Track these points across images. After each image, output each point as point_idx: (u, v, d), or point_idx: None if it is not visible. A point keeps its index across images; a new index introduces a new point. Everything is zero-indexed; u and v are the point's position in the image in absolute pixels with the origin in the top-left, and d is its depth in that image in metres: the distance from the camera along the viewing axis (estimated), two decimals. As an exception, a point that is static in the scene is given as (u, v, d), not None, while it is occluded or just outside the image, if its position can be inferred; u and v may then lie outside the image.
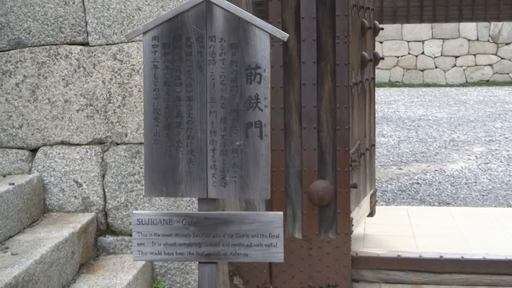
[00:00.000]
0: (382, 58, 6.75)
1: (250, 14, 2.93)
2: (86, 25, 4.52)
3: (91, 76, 4.43)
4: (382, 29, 6.77)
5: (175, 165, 2.92)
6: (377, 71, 22.37)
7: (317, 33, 4.79)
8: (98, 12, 4.51)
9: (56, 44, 4.53)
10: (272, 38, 2.79)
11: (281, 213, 3.03)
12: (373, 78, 6.29)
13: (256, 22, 2.83)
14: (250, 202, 4.93)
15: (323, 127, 4.84)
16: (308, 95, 4.81)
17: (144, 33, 2.85)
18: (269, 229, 2.93)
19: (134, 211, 3.03)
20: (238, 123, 2.85)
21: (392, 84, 21.51)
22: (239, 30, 2.84)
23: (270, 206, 4.92)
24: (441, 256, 5.07)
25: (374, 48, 6.36)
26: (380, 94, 18.65)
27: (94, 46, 4.43)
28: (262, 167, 2.91)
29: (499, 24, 20.81)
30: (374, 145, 6.43)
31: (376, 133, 11.78)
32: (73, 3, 4.57)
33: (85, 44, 4.54)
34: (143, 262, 4.24)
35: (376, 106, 15.45)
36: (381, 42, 21.33)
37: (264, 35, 2.83)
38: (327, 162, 4.84)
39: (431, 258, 5.08)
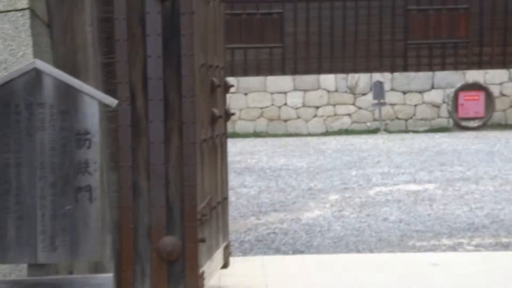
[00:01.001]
0: (233, 114, 6.79)
1: (79, 82, 2.95)
2: None
3: None
4: (233, 85, 6.86)
5: (3, 231, 2.83)
6: (242, 122, 22.86)
7: (164, 92, 4.80)
8: None
9: None
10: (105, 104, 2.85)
11: (110, 275, 3.04)
12: (225, 134, 6.28)
13: (84, 90, 2.87)
14: (99, 263, 4.71)
15: (171, 184, 4.83)
16: (156, 153, 4.79)
17: None
18: None
19: None
20: (68, 188, 2.85)
21: (257, 134, 21.72)
22: (69, 97, 2.86)
23: (119, 264, 4.79)
24: None
25: (225, 105, 6.32)
26: (245, 144, 18.88)
27: None
28: (92, 230, 2.90)
29: (356, 75, 21.72)
30: (226, 198, 6.34)
31: (238, 184, 12.02)
32: None
33: None
34: None
35: (240, 157, 15.87)
36: (245, 94, 21.72)
37: (93, 102, 2.86)
38: (176, 218, 4.82)
39: None
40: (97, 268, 4.66)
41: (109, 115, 4.75)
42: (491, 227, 8.63)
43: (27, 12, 4.29)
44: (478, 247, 7.67)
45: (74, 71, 4.51)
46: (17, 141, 2.82)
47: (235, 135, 21.20)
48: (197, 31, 5.10)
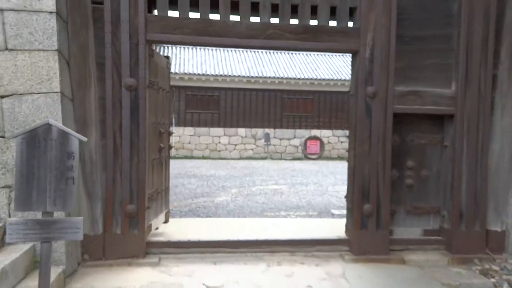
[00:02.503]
0: (172, 146, 6.46)
1: (69, 129, 2.86)
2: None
3: None
4: (173, 132, 6.54)
5: (30, 196, 2.80)
6: (196, 151, 22.17)
7: (130, 135, 4.62)
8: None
9: None
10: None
11: (81, 218, 2.96)
12: (168, 156, 6.05)
13: (71, 132, 2.86)
14: (92, 215, 4.64)
15: (133, 180, 4.67)
16: (125, 164, 4.63)
17: (18, 135, 2.82)
18: (76, 225, 2.88)
19: (8, 219, 2.92)
20: (62, 177, 2.82)
21: (204, 158, 21.07)
22: (64, 136, 2.84)
23: (105, 218, 4.64)
24: (188, 240, 5.03)
25: (169, 141, 6.09)
26: (196, 163, 18.26)
27: None
28: (73, 198, 2.83)
29: (256, 129, 21.62)
30: (168, 188, 6.11)
31: (186, 182, 12.03)
32: None
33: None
34: (29, 246, 3.85)
35: (191, 169, 15.99)
36: (199, 136, 21.29)
37: (75, 138, 2.85)
38: (134, 196, 4.69)
39: (181, 241, 4.99)
40: (93, 219, 4.64)
41: (102, 143, 4.65)
42: (306, 207, 8.80)
43: (59, 94, 4.19)
44: (297, 217, 7.78)
45: (85, 124, 4.55)
46: (39, 156, 2.85)
47: (192, 157, 20.90)
48: (150, 106, 5.01)
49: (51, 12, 4.16)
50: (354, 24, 5.20)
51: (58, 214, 3.85)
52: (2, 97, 4.09)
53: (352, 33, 5.07)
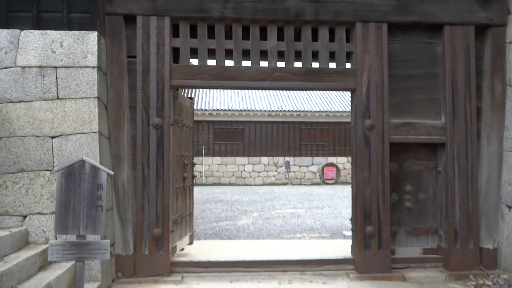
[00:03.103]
0: (195, 176, 6.56)
1: (98, 164, 3.08)
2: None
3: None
4: (196, 163, 6.57)
5: (67, 221, 2.92)
6: (224, 178, 21.82)
7: (157, 166, 4.75)
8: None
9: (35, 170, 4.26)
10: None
11: (108, 241, 3.07)
12: (192, 184, 6.13)
13: (100, 167, 3.00)
14: (125, 239, 4.75)
15: (158, 206, 4.78)
16: (152, 192, 4.77)
17: (58, 170, 3.00)
18: (104, 247, 3.01)
19: (50, 241, 3.06)
20: (93, 205, 2.93)
21: (230, 184, 21.02)
22: (94, 170, 2.99)
23: (135, 240, 4.74)
24: (208, 260, 5.10)
25: (192, 171, 6.18)
26: (223, 189, 18.12)
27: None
28: (102, 223, 2.94)
29: (277, 158, 21.64)
30: (191, 213, 6.16)
31: (212, 207, 12.04)
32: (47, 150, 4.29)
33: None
34: (71, 264, 3.94)
35: (218, 195, 15.79)
36: (226, 165, 21.37)
37: (104, 172, 3.00)
38: (159, 220, 4.80)
39: (202, 261, 5.04)
40: (125, 241, 4.74)
41: (133, 174, 4.81)
42: (320, 229, 8.70)
43: (97, 134, 4.41)
44: (311, 238, 7.71)
45: (119, 158, 4.75)
46: (74, 187, 3.00)
47: (220, 184, 20.96)
48: (174, 141, 5.21)
49: (93, 67, 4.52)
50: (351, 65, 5.38)
51: (95, 237, 4.02)
52: (53, 137, 4.42)
53: (350, 74, 5.24)
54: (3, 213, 4.22)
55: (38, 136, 4.35)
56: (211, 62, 5.31)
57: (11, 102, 4.36)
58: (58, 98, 4.43)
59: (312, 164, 21.97)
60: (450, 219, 5.16)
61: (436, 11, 5.18)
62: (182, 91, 6.23)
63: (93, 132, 4.42)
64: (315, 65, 5.33)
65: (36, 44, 4.49)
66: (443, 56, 5.21)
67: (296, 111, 21.74)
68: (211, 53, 5.24)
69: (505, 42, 5.22)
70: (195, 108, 20.94)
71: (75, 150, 4.38)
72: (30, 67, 4.42)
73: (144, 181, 4.83)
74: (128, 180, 4.91)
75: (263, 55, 5.29)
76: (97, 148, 4.38)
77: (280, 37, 5.23)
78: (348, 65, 5.39)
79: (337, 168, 21.73)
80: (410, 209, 5.44)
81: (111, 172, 3.08)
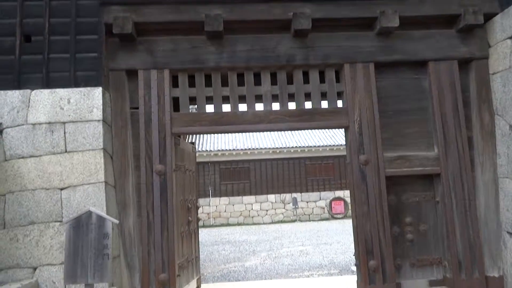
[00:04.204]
0: (200, 219, 6.60)
1: (104, 214, 3.16)
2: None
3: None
4: (200, 206, 6.61)
5: (75, 270, 3.02)
6: (231, 218, 21.59)
7: (161, 212, 4.88)
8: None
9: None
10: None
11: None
12: (197, 227, 6.24)
13: (106, 217, 3.21)
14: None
15: (164, 251, 4.83)
16: (157, 238, 4.82)
17: (67, 222, 3.29)
18: None
19: None
20: (100, 254, 3.02)
21: (238, 224, 20.89)
22: (101, 220, 3.17)
23: (143, 286, 4.77)
24: None
25: (197, 214, 6.28)
26: (231, 230, 17.97)
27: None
28: (109, 270, 3.02)
29: (284, 194, 21.64)
30: (198, 256, 6.20)
31: (220, 248, 11.92)
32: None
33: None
34: None
35: (226, 235, 15.58)
36: (233, 205, 21.32)
37: (109, 222, 3.19)
38: (166, 265, 4.79)
39: None
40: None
41: (138, 221, 4.91)
42: (328, 266, 8.64)
43: (103, 183, 4.54)
44: (319, 276, 7.67)
45: (124, 206, 4.88)
46: (82, 237, 3.05)
47: (228, 225, 20.80)
48: (177, 185, 5.34)
49: (99, 120, 4.80)
50: (342, 104, 5.63)
51: (103, 285, 4.01)
52: (62, 189, 4.60)
53: (342, 112, 5.48)
54: (15, 266, 4.31)
55: (48, 189, 4.54)
56: (210, 108, 5.58)
57: (22, 157, 4.59)
58: (66, 151, 4.65)
59: (320, 199, 21.83)
60: (452, 249, 5.21)
61: (420, 49, 5.48)
62: (183, 136, 6.42)
63: (99, 182, 4.62)
64: (308, 105, 5.57)
65: (45, 102, 4.78)
66: (430, 90, 5.45)
67: (300, 146, 21.89)
68: (209, 99, 5.52)
69: (489, 74, 5.46)
70: (199, 149, 21.26)
71: (83, 200, 4.53)
72: (40, 123, 4.69)
73: (149, 226, 4.93)
74: (134, 226, 5.04)
75: (259, 98, 5.56)
76: (104, 197, 4.53)
77: (274, 81, 5.52)
78: (340, 104, 5.64)
79: (345, 202, 21.54)
80: (412, 241, 5.49)
81: (116, 221, 3.23)
